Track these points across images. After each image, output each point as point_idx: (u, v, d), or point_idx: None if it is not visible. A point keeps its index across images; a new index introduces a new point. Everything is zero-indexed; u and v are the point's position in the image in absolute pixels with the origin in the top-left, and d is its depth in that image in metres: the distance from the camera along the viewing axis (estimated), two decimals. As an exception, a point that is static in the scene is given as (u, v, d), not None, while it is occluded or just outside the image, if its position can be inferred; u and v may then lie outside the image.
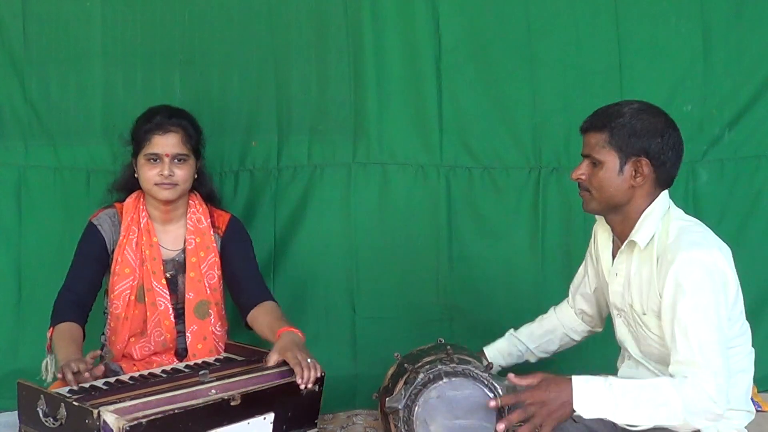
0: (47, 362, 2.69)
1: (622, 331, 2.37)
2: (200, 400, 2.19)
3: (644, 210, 2.22)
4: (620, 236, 2.29)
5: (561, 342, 2.66)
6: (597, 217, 2.44)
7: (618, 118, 2.20)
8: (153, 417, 2.06)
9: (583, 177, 2.25)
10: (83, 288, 2.68)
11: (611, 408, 2.04)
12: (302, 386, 2.35)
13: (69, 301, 2.65)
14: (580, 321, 2.64)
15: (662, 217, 2.22)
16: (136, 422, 2.02)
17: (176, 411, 2.11)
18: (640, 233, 2.21)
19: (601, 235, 2.42)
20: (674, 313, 2.10)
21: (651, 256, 2.20)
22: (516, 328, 2.69)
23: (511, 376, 2.11)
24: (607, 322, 2.58)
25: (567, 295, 2.70)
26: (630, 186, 2.21)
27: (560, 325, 2.66)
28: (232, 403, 2.22)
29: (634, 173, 2.20)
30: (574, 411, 2.05)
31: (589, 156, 2.23)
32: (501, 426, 2.06)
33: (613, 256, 2.35)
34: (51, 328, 2.61)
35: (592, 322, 2.63)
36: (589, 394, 2.05)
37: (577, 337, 2.66)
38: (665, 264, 2.13)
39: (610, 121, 2.21)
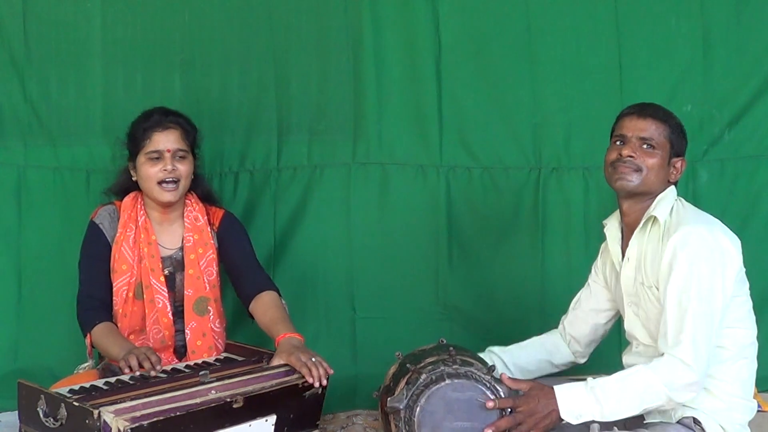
0: (88, 366, 2.71)
1: (631, 321, 2.42)
2: (199, 400, 2.19)
3: (659, 194, 2.35)
4: (632, 224, 2.39)
5: (539, 366, 2.62)
6: (604, 223, 2.52)
7: (673, 118, 2.39)
8: (154, 419, 2.06)
9: (634, 156, 2.34)
10: (101, 290, 2.70)
11: (597, 410, 2.13)
12: (316, 384, 2.37)
13: (92, 306, 2.68)
14: (568, 350, 2.63)
15: (672, 202, 2.35)
16: (137, 424, 2.02)
17: (178, 413, 2.11)
18: (658, 209, 2.32)
19: (610, 233, 2.50)
20: (668, 280, 2.21)
21: (659, 234, 2.30)
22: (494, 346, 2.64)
23: (504, 377, 2.18)
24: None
25: (563, 311, 2.68)
26: (667, 180, 2.37)
27: (545, 350, 2.63)
28: (235, 405, 2.22)
29: (675, 171, 2.37)
30: (561, 420, 2.13)
31: (648, 139, 2.33)
32: (489, 431, 2.11)
33: (622, 251, 2.44)
34: (87, 335, 2.63)
35: (578, 352, 2.62)
36: (572, 401, 2.14)
37: (559, 365, 2.63)
38: (667, 236, 2.25)
39: (669, 118, 2.38)
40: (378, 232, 3.34)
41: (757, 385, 3.13)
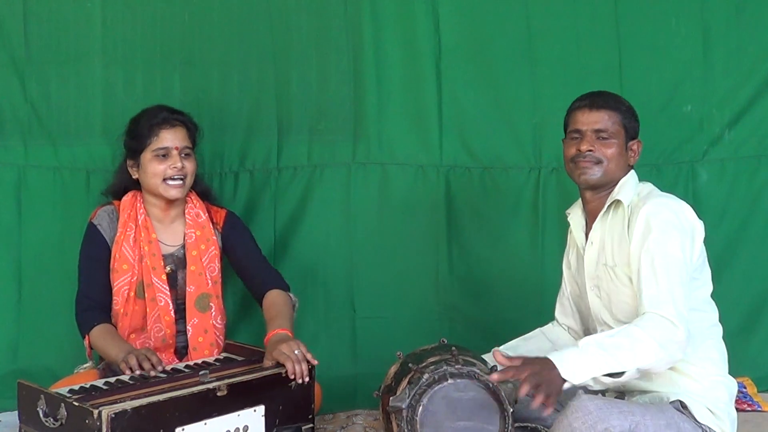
0: (88, 366, 2.72)
1: (595, 305, 2.45)
2: (186, 391, 2.21)
3: (620, 179, 2.39)
4: (595, 211, 2.44)
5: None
6: (568, 212, 2.58)
7: (623, 103, 2.45)
8: (137, 405, 2.08)
9: (593, 149, 2.37)
10: (99, 292, 2.71)
11: (595, 366, 2.06)
12: (299, 380, 2.39)
13: (90, 307, 2.68)
14: (569, 336, 2.66)
15: (636, 186, 2.41)
16: (120, 410, 2.04)
17: (161, 400, 2.13)
18: (622, 194, 2.36)
19: (573, 221, 2.55)
20: (642, 248, 2.24)
21: (624, 216, 2.34)
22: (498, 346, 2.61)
23: (497, 355, 2.10)
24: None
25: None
26: (627, 164, 2.42)
27: (548, 341, 2.67)
28: (219, 394, 2.24)
29: (633, 153, 2.43)
30: (564, 381, 2.05)
31: (603, 131, 2.38)
32: (495, 376, 2.06)
33: (586, 236, 2.48)
34: (86, 337, 2.64)
35: (578, 337, 2.61)
36: (569, 363, 2.06)
37: None
38: (636, 212, 2.29)
39: (619, 104, 2.43)
40: (378, 232, 3.34)
41: (756, 384, 3.16)
